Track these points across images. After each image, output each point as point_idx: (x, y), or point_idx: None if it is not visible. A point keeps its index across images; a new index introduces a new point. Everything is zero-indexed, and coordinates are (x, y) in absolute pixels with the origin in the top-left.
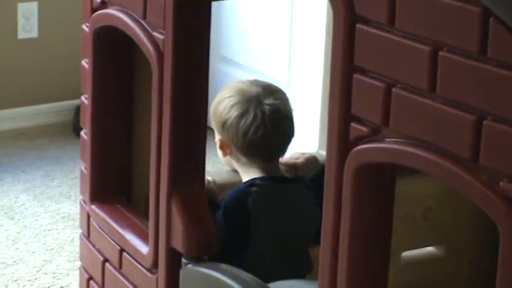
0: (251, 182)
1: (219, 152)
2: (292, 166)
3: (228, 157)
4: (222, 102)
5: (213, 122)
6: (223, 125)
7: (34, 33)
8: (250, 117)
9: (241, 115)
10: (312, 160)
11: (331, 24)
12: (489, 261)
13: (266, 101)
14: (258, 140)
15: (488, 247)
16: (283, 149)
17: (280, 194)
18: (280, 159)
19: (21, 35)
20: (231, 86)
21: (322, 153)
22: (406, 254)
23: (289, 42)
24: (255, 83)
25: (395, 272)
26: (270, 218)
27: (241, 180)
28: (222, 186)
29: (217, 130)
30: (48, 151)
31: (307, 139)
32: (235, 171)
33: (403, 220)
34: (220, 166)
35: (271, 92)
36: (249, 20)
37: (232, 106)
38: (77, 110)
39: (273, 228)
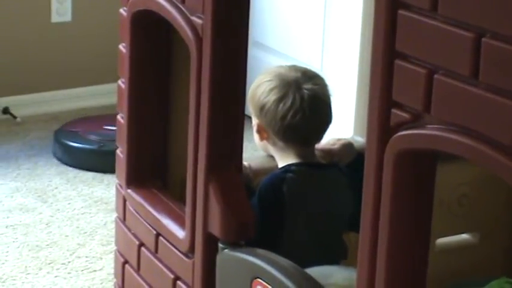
0: (287, 168)
1: (256, 137)
2: (328, 152)
3: (264, 142)
4: (260, 86)
5: (250, 106)
6: (262, 109)
7: (67, 17)
8: (289, 101)
9: (280, 99)
10: (347, 146)
11: (367, 9)
12: None
13: (305, 86)
14: (296, 125)
15: None
16: (320, 135)
17: (315, 180)
18: (316, 145)
19: (55, 18)
20: (270, 71)
21: (358, 139)
22: (441, 240)
23: (323, 27)
24: (294, 68)
25: (429, 258)
26: (305, 204)
27: (276, 165)
28: (258, 172)
29: (254, 114)
30: None
31: (342, 125)
32: (271, 156)
33: (438, 207)
34: (253, 151)
35: (311, 77)
36: (282, 4)
37: (271, 90)
38: (56, 134)
39: (307, 214)
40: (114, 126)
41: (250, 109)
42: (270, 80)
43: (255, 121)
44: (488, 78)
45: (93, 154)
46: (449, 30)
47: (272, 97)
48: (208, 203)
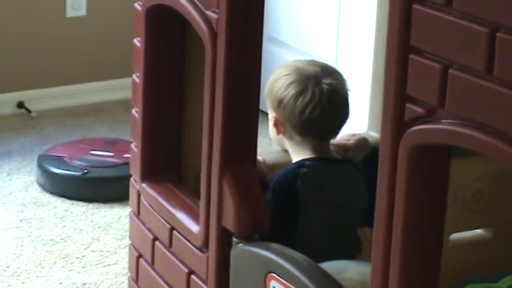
0: (301, 163)
1: (272, 130)
2: (342, 147)
3: (280, 136)
4: (278, 80)
5: (268, 99)
6: (280, 103)
7: (82, 11)
8: (308, 95)
9: (299, 93)
10: (362, 142)
11: (381, 4)
12: None
13: (325, 81)
14: (314, 119)
15: None
16: (337, 130)
17: (329, 175)
18: (331, 141)
19: (70, 13)
20: (287, 65)
21: (372, 134)
22: (454, 236)
23: (337, 21)
24: (312, 62)
25: (442, 253)
26: (319, 199)
27: (290, 160)
28: (272, 166)
29: (272, 108)
30: (96, 130)
31: (356, 120)
32: (286, 151)
33: (452, 202)
34: (267, 146)
35: (329, 72)
36: None
37: (289, 84)
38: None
39: (321, 209)
40: (102, 151)
41: (267, 103)
42: (288, 74)
43: (271, 115)
44: (503, 73)
45: (75, 181)
46: (463, 25)
47: (291, 91)
48: (222, 198)
